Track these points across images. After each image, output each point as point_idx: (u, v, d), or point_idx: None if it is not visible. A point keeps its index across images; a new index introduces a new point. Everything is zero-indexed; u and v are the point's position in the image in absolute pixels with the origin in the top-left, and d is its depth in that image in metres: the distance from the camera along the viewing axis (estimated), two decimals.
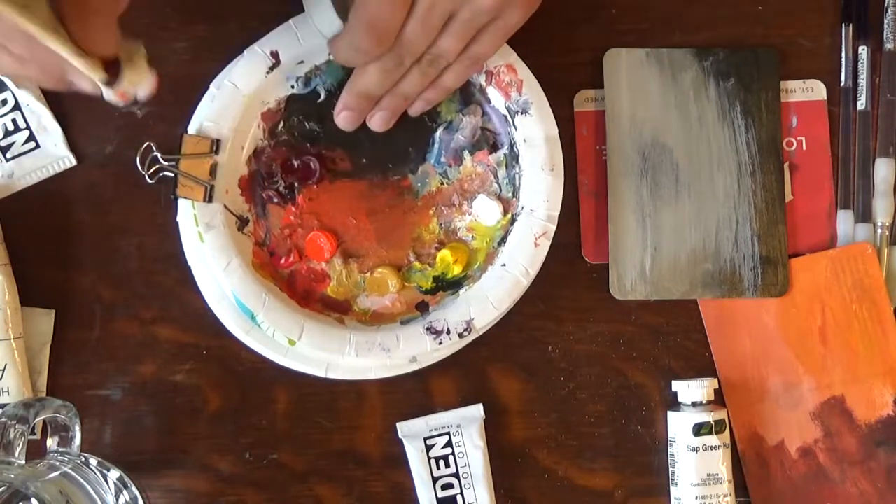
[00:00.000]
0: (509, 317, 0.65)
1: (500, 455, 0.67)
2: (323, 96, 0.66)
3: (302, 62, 0.64)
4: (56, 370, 0.67)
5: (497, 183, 0.66)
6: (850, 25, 0.69)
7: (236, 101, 0.63)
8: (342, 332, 0.63)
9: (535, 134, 0.64)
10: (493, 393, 0.68)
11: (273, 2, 0.64)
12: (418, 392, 0.67)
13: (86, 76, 0.51)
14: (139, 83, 0.53)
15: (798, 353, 0.68)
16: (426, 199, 0.66)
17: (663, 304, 0.68)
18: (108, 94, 0.53)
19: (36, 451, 0.63)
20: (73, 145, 0.67)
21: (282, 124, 0.66)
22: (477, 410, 0.67)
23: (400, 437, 0.67)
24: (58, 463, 0.60)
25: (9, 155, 0.67)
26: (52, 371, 0.67)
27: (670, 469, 0.66)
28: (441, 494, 0.66)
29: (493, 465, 0.66)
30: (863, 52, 0.69)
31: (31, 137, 0.67)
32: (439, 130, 0.66)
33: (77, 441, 0.62)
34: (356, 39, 0.57)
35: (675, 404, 0.67)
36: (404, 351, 0.63)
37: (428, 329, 0.63)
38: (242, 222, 0.65)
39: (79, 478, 0.60)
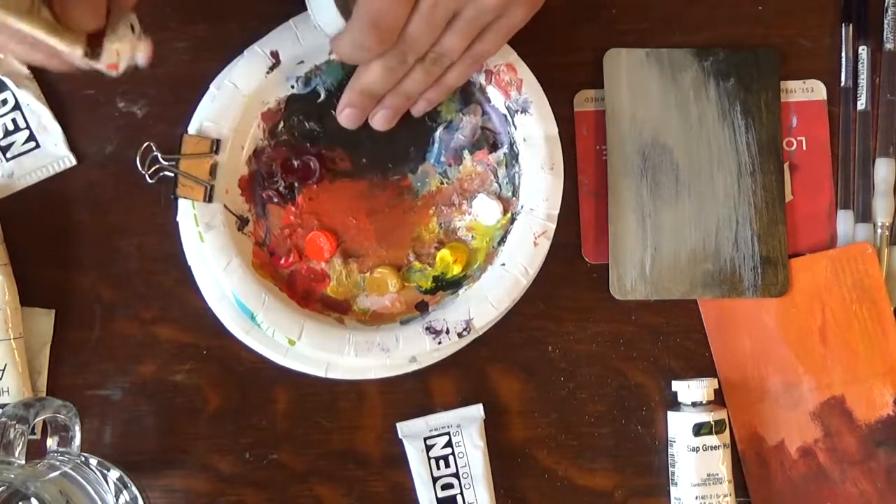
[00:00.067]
0: (509, 317, 0.66)
1: (500, 455, 0.67)
2: (323, 96, 0.66)
3: (302, 62, 0.64)
4: (56, 370, 0.67)
5: (497, 182, 0.66)
6: (850, 25, 0.69)
7: (236, 101, 0.63)
8: (342, 331, 0.63)
9: (534, 133, 0.64)
10: (493, 393, 0.68)
11: (273, 2, 0.64)
12: (418, 392, 0.67)
13: (65, 51, 0.50)
14: (129, 53, 0.52)
15: (798, 353, 0.68)
16: (426, 198, 0.66)
17: (663, 304, 0.68)
18: (97, 66, 0.51)
19: (36, 451, 0.63)
20: (73, 145, 0.67)
21: (282, 124, 0.66)
22: (477, 410, 0.67)
23: (400, 437, 0.67)
24: (58, 463, 0.60)
25: (9, 155, 0.67)
26: (52, 371, 0.67)
27: (670, 469, 0.66)
28: (441, 494, 0.66)
29: (493, 465, 0.66)
30: (863, 52, 0.69)
31: (31, 137, 0.67)
32: (439, 130, 0.66)
33: (77, 441, 0.62)
34: (359, 36, 0.57)
35: (675, 404, 0.67)
36: (404, 351, 0.63)
37: (427, 329, 0.63)
38: (242, 222, 0.65)
39: (79, 478, 0.60)
